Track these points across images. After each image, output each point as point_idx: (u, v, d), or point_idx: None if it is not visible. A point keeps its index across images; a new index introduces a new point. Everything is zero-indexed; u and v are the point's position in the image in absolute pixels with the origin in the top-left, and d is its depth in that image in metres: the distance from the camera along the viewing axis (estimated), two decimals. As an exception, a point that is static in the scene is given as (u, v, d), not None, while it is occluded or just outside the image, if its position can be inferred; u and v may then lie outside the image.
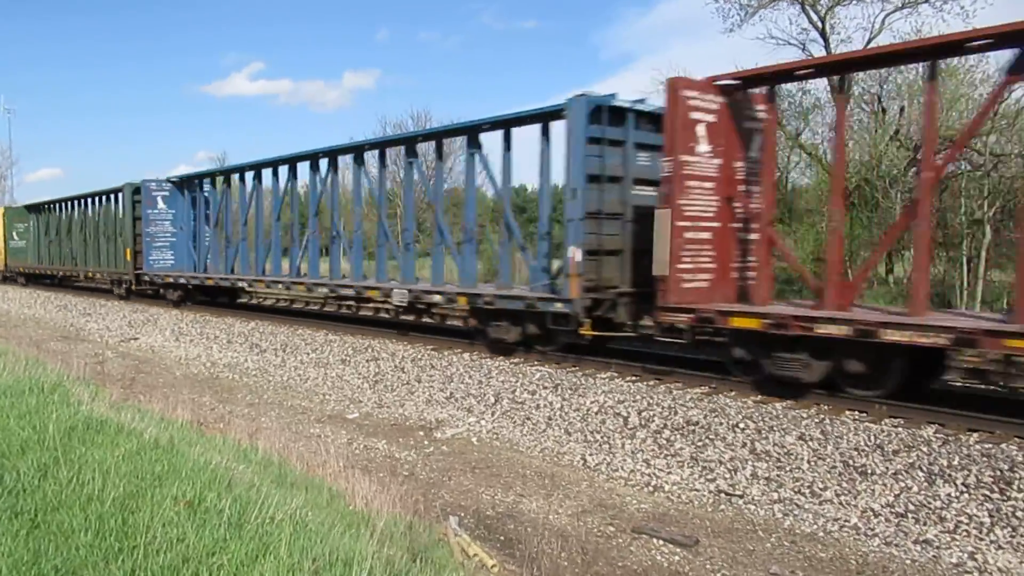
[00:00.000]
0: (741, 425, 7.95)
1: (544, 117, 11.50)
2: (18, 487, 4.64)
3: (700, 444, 7.76)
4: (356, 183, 16.06)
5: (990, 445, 6.82)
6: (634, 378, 10.10)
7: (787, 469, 7.03)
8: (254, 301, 22.56)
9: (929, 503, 6.15)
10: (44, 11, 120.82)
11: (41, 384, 8.28)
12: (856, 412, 8.16)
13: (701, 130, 9.28)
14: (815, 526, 6.09)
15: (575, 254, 10.48)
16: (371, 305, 17.43)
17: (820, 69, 10.16)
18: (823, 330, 8.14)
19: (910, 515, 6.06)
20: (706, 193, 9.39)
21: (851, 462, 6.91)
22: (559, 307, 10.71)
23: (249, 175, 18.85)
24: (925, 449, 6.90)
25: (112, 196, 24.12)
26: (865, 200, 21.71)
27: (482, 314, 12.32)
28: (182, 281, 20.61)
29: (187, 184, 21.42)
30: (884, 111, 22.82)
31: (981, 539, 5.66)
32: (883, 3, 21.86)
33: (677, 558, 5.57)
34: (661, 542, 5.81)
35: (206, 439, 6.90)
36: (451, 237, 13.54)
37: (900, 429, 7.45)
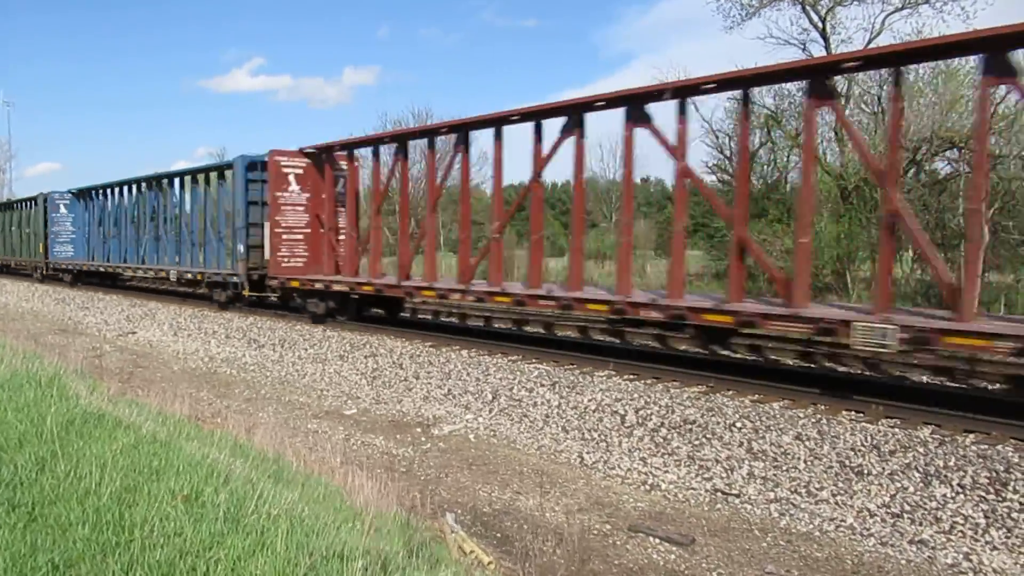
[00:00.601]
0: (738, 424, 7.96)
1: (221, 168, 19.47)
2: (15, 480, 4.65)
3: (697, 443, 7.78)
4: (174, 199, 22.20)
5: (986, 446, 6.84)
6: (632, 376, 10.12)
7: (784, 468, 7.04)
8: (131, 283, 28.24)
9: (925, 504, 6.17)
10: (44, 5, 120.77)
11: (39, 378, 8.28)
12: (853, 412, 8.18)
13: (291, 178, 16.34)
14: (811, 526, 6.11)
15: (240, 248, 17.47)
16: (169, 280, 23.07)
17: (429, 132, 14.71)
18: (337, 287, 15.16)
19: (906, 515, 6.07)
20: (298, 213, 16.46)
21: (847, 462, 6.93)
22: (235, 279, 17.77)
23: (119, 189, 25.18)
24: (921, 450, 6.91)
25: (32, 202, 30.86)
26: (864, 200, 21.71)
27: (207, 283, 19.64)
28: (73, 267, 27.73)
29: (83, 195, 28.21)
30: (884, 112, 22.82)
31: (976, 540, 5.68)
32: (883, 4, 21.88)
33: (673, 557, 5.58)
34: (657, 541, 5.82)
35: (203, 434, 6.90)
36: (197, 237, 20.58)
37: (896, 430, 7.47)
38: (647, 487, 7.08)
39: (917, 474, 6.57)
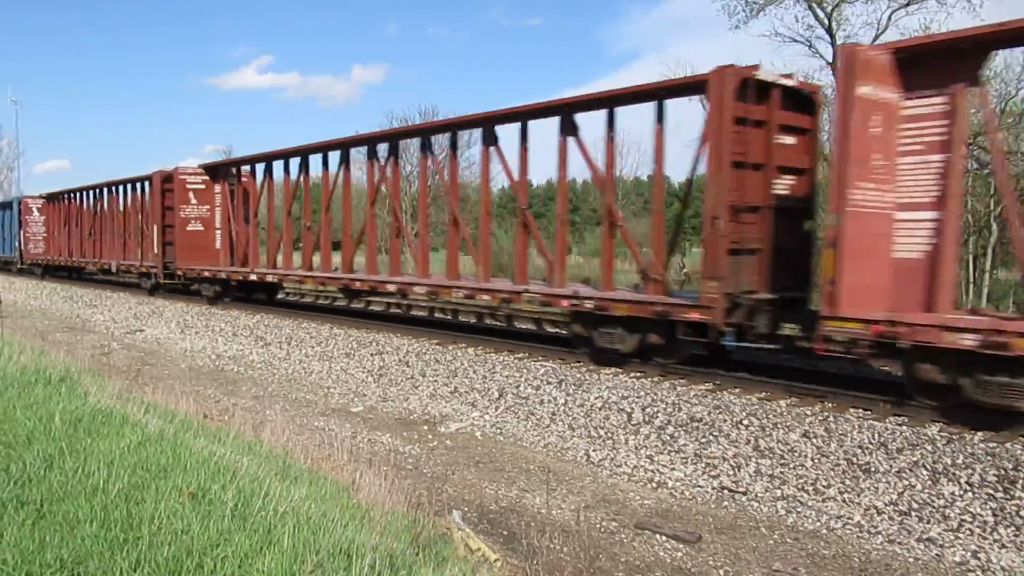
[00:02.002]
0: (745, 422, 7.94)
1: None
2: (24, 477, 4.67)
3: (704, 441, 7.76)
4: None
5: (994, 444, 6.81)
6: (638, 374, 10.10)
7: (791, 466, 7.03)
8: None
9: (933, 501, 6.15)
10: (52, 2, 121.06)
11: (48, 375, 8.32)
12: (860, 410, 8.15)
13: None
14: (818, 523, 6.09)
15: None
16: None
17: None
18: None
19: (913, 513, 6.05)
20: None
21: (855, 460, 6.91)
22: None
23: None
24: (929, 447, 6.89)
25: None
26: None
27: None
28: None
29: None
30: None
31: (985, 538, 5.65)
32: (890, 0, 21.76)
33: (680, 554, 5.57)
34: (664, 538, 5.82)
35: (210, 431, 6.92)
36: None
37: (904, 427, 7.44)
38: (654, 485, 7.07)
39: (925, 472, 6.55)
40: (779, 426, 7.74)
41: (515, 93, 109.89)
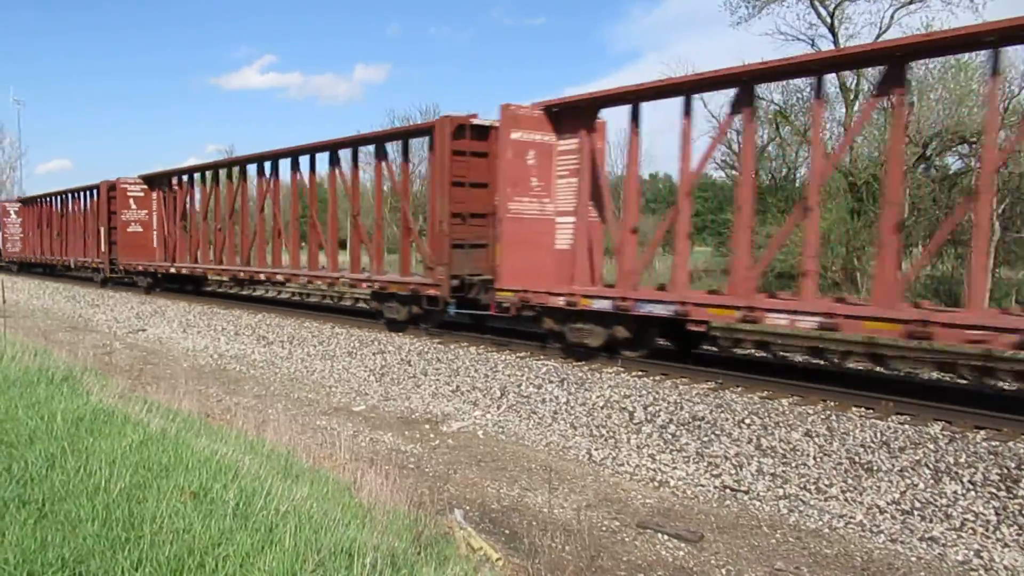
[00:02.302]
0: (747, 421, 7.93)
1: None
2: (26, 477, 4.68)
3: (706, 439, 7.76)
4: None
5: (997, 443, 6.80)
6: (640, 373, 10.10)
7: (793, 465, 7.02)
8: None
9: (935, 500, 6.14)
10: (55, 3, 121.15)
11: (50, 374, 8.33)
12: (863, 408, 8.14)
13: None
14: (820, 522, 6.09)
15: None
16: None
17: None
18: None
19: (916, 512, 6.04)
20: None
21: (857, 459, 6.90)
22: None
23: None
24: (932, 446, 6.88)
25: None
26: (874, 196, 21.61)
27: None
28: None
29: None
30: (894, 107, 22.67)
31: (987, 537, 5.64)
32: (893, -2, 21.74)
33: (682, 553, 5.57)
34: (666, 537, 5.81)
35: (212, 430, 6.92)
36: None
37: (907, 426, 7.43)
38: (656, 484, 7.07)
39: (927, 471, 6.53)
40: (781, 425, 7.73)
41: (516, 93, 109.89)
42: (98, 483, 4.55)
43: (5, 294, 20.78)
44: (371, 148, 14.98)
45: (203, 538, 3.78)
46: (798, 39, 23.81)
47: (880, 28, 22.29)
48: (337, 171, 16.09)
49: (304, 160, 17.10)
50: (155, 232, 23.70)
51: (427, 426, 9.05)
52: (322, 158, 16.72)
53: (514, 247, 11.45)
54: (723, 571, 5.30)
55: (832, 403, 8.37)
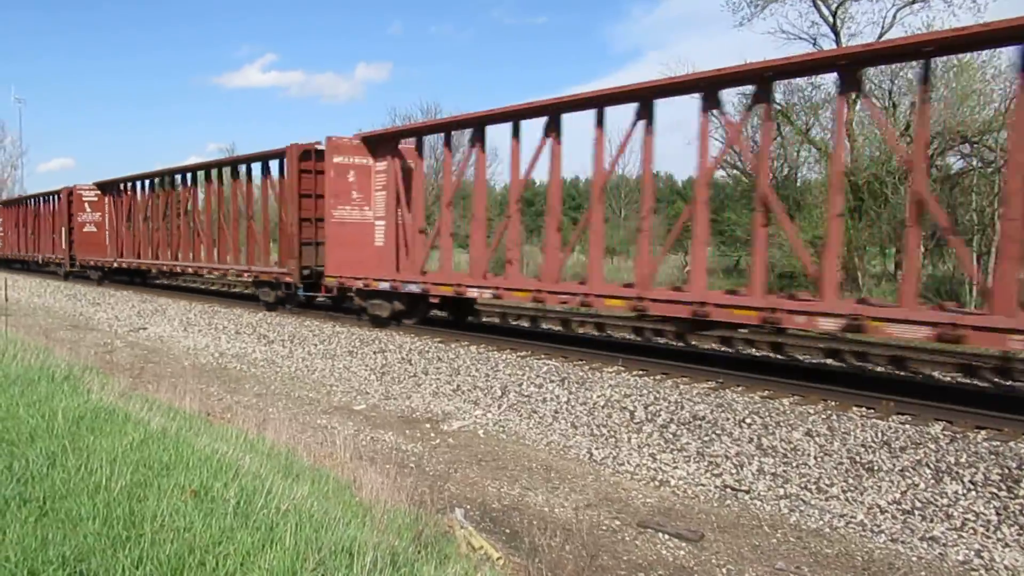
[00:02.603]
0: (748, 420, 7.93)
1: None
2: (27, 475, 4.68)
3: (706, 439, 7.75)
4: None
5: (998, 443, 6.80)
6: (641, 372, 10.10)
7: (793, 465, 7.02)
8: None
9: (936, 500, 6.13)
10: (56, 1, 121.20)
11: (51, 373, 8.33)
12: (864, 408, 8.14)
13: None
14: (821, 522, 6.08)
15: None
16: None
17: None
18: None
19: (917, 512, 6.04)
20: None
21: (858, 458, 6.89)
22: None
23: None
24: (932, 446, 6.87)
25: None
26: (874, 195, 21.61)
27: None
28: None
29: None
30: (895, 106, 22.69)
31: (988, 537, 5.64)
32: (895, -3, 21.72)
33: (682, 553, 5.57)
34: (666, 536, 5.81)
35: (213, 429, 6.92)
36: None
37: (907, 426, 7.43)
38: (656, 483, 7.06)
39: (928, 471, 6.53)
40: (782, 424, 7.73)
41: (517, 92, 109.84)
42: (99, 481, 4.55)
43: (7, 292, 20.81)
44: (259, 165, 18.63)
45: (204, 536, 3.78)
46: (800, 38, 23.80)
47: (882, 27, 22.30)
48: (235, 183, 19.65)
49: (215, 172, 20.48)
50: (107, 232, 27.29)
51: (428, 425, 9.06)
52: (227, 171, 19.99)
53: (337, 244, 15.24)
54: (724, 571, 5.30)
55: (833, 403, 8.37)
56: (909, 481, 6.44)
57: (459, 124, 13.77)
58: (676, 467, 7.34)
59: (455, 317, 14.96)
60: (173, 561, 3.47)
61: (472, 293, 12.59)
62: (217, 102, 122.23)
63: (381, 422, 9.21)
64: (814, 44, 23.45)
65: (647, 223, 10.62)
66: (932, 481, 6.39)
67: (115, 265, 25.93)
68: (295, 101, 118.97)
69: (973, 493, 6.14)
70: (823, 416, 7.83)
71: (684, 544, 5.69)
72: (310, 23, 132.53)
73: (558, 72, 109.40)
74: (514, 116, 12.14)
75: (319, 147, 15.91)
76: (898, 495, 6.29)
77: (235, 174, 19.60)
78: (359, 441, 8.27)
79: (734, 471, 7.10)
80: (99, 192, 27.68)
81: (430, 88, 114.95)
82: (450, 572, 4.07)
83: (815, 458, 7.05)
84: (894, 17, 22.23)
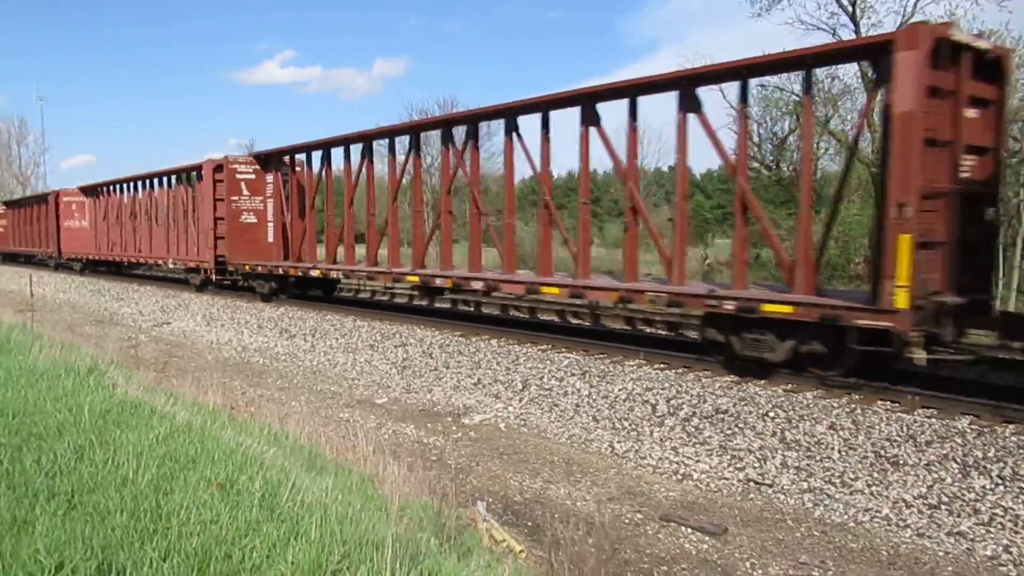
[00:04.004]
0: (771, 414, 7.88)
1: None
2: (55, 468, 4.73)
3: (729, 433, 7.71)
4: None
5: (1027, 437, 6.71)
6: (663, 366, 10.06)
7: (817, 459, 6.96)
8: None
9: (963, 495, 6.06)
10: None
11: (77, 367, 8.43)
12: (888, 402, 8.06)
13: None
14: (846, 516, 6.03)
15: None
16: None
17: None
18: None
19: (943, 507, 5.98)
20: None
21: (883, 452, 6.83)
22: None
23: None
24: (959, 440, 6.79)
25: None
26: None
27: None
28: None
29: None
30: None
31: (1017, 532, 5.57)
32: (917, -14, 21.38)
33: (705, 546, 5.54)
34: (689, 530, 5.79)
35: (237, 423, 6.98)
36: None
37: (933, 420, 7.35)
38: (679, 477, 7.04)
39: (955, 465, 6.46)
40: (805, 418, 7.67)
41: (540, 84, 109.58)
42: (126, 475, 4.60)
43: (33, 288, 21.09)
44: (194, 174, 21.93)
45: (230, 529, 3.81)
46: (819, 29, 23.48)
47: (903, 16, 21.93)
48: (181, 187, 23.18)
49: (164, 179, 24.38)
50: (88, 230, 31.22)
51: (449, 419, 9.08)
52: (170, 179, 23.81)
53: (236, 238, 19.63)
54: (747, 564, 5.27)
55: (857, 396, 8.29)
56: (935, 475, 6.37)
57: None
58: (699, 461, 7.30)
59: (325, 294, 19.58)
60: (200, 554, 3.50)
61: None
62: (237, 98, 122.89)
63: (403, 416, 9.24)
64: (833, 35, 23.15)
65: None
66: (959, 476, 6.32)
67: (91, 257, 30.61)
68: (313, 97, 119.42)
69: (1001, 488, 6.06)
70: (847, 410, 7.76)
71: (707, 538, 5.67)
72: (329, 18, 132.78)
73: (574, 66, 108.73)
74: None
75: (227, 163, 19.83)
76: (924, 489, 6.22)
77: (171, 182, 23.98)
78: (381, 435, 8.31)
79: (757, 465, 7.06)
80: (82, 196, 32.02)
81: (447, 83, 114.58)
82: (473, 565, 4.08)
83: (839, 452, 7.00)
84: (915, 6, 21.88)
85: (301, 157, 18.73)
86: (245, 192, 19.64)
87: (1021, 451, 6.44)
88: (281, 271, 18.27)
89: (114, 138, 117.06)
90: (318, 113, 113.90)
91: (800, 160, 9.89)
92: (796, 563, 5.28)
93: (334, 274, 17.39)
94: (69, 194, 32.37)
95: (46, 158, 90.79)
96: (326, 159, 17.67)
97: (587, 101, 11.16)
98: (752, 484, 6.74)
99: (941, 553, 5.41)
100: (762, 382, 9.04)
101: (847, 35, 22.53)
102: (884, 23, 22.19)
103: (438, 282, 13.59)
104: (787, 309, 8.56)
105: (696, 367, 9.90)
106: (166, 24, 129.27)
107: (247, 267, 19.12)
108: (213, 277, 20.36)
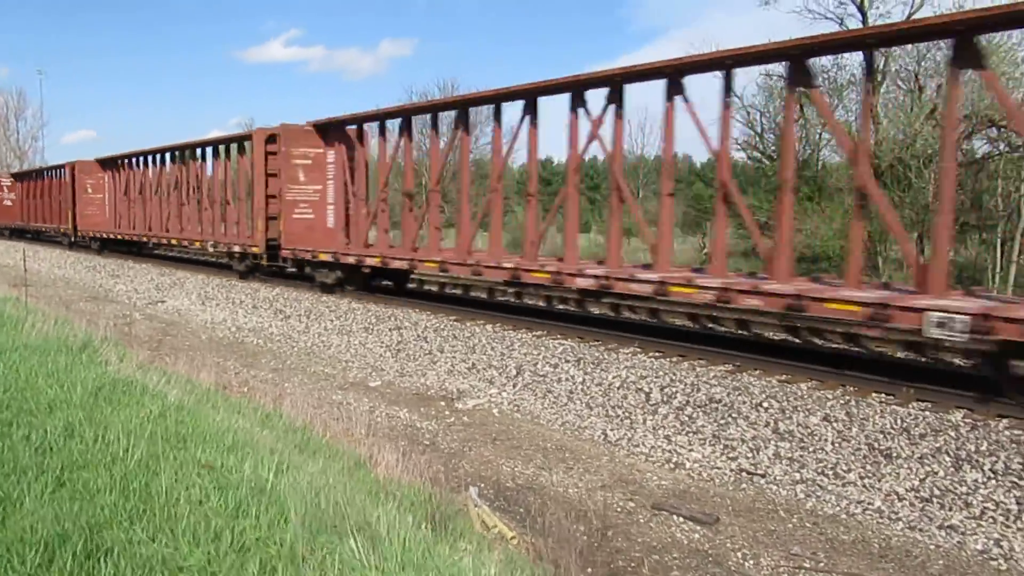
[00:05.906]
0: (765, 404, 7.87)
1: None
2: (45, 445, 4.71)
3: (722, 422, 7.71)
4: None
5: (1019, 431, 6.70)
6: (657, 354, 10.04)
7: (810, 450, 6.96)
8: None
9: (955, 488, 6.06)
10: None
11: (69, 344, 8.39)
12: (883, 395, 8.05)
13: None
14: (838, 508, 6.03)
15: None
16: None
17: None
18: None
19: (935, 500, 5.98)
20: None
21: (876, 445, 6.83)
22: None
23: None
24: (952, 434, 6.79)
25: None
26: (898, 179, 21.29)
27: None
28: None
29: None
30: (921, 89, 22.29)
31: (1008, 526, 5.57)
32: (926, -24, 21.27)
33: (697, 536, 5.54)
34: (681, 519, 5.79)
35: (230, 403, 6.95)
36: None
37: (927, 413, 7.34)
38: (671, 465, 7.03)
39: (948, 458, 6.46)
40: (799, 409, 7.66)
41: (547, 67, 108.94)
42: (115, 453, 4.58)
43: (28, 263, 20.99)
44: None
45: (219, 510, 3.79)
46: (826, 18, 23.37)
47: (912, 7, 21.84)
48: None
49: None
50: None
51: (442, 403, 9.06)
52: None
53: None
54: (739, 554, 5.27)
55: (851, 388, 8.29)
56: (928, 468, 6.37)
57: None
58: (691, 450, 7.30)
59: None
60: (188, 534, 3.48)
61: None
62: (238, 76, 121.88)
63: (396, 399, 9.22)
64: (840, 24, 23.04)
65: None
66: (952, 469, 6.32)
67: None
68: (314, 76, 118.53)
69: (993, 482, 6.06)
70: (841, 401, 7.75)
71: (699, 527, 5.66)
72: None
73: (582, 47, 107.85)
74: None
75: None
76: (916, 482, 6.22)
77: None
78: (374, 418, 8.28)
79: (750, 455, 7.06)
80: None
81: (453, 64, 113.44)
82: (464, 550, 4.06)
83: (832, 443, 6.99)
84: (924, -5, 21.76)
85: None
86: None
87: (1014, 445, 6.44)
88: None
89: (115, 115, 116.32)
90: (320, 93, 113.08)
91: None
92: (787, 554, 5.28)
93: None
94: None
95: (44, 132, 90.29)
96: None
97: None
98: (744, 474, 6.74)
99: (932, 546, 5.41)
100: (757, 372, 9.03)
101: (854, 24, 22.44)
102: (892, 13, 22.09)
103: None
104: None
105: (691, 356, 9.89)
106: (169, 3, 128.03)
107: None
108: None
